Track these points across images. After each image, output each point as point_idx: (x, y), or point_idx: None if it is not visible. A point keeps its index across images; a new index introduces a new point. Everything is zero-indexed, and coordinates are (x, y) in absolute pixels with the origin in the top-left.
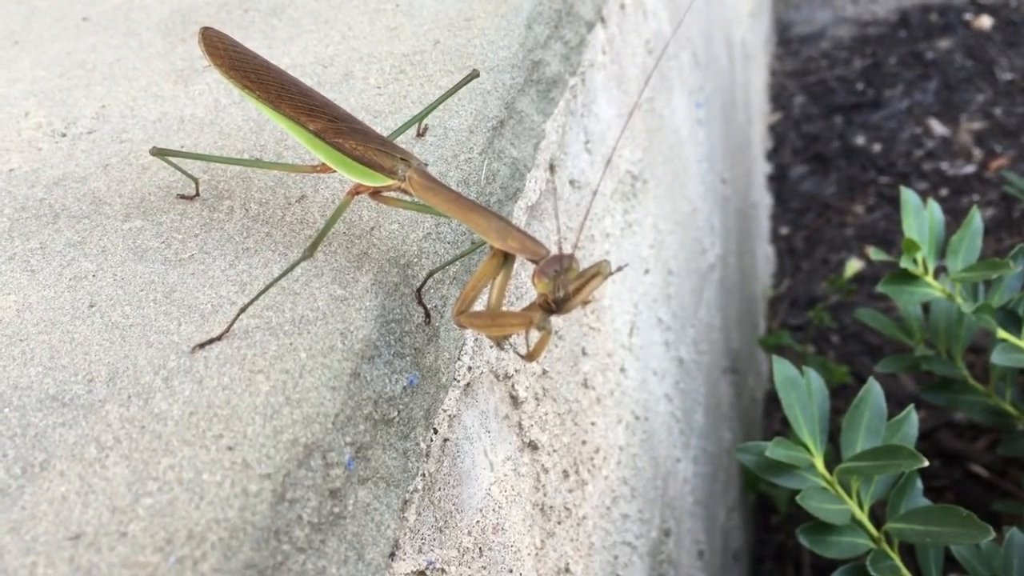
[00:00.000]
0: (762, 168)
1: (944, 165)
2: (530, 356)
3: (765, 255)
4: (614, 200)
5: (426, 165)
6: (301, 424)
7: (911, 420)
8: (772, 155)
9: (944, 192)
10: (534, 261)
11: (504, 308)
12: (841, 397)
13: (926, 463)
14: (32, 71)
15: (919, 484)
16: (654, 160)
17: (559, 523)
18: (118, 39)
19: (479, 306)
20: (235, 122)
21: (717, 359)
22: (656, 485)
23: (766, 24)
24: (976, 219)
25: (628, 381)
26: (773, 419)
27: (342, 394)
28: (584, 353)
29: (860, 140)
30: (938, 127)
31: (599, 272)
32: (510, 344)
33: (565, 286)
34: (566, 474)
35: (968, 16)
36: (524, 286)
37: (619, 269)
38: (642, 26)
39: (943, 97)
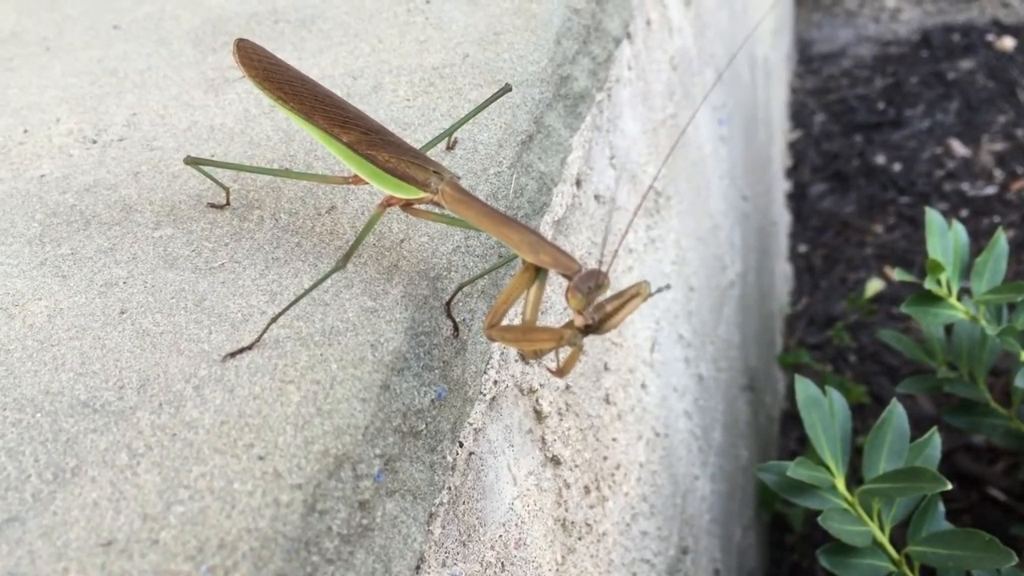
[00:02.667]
0: (781, 185)
1: (965, 186)
2: (560, 372)
3: (783, 273)
4: (637, 216)
5: (458, 178)
6: (332, 435)
7: (934, 442)
8: (791, 173)
9: (964, 213)
10: (566, 276)
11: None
12: (857, 417)
13: (949, 486)
14: (63, 78)
15: (941, 507)
16: (677, 176)
17: (580, 539)
18: (149, 47)
19: (507, 320)
20: (265, 132)
21: (735, 376)
22: (675, 503)
23: (787, 42)
24: (1001, 241)
25: (649, 397)
26: (789, 438)
27: (372, 406)
28: (606, 368)
29: (880, 159)
30: (959, 148)
31: (638, 293)
32: (538, 359)
33: (598, 304)
34: (587, 490)
35: (991, 37)
36: (547, 300)
37: (659, 290)
38: (667, 42)
39: (964, 118)
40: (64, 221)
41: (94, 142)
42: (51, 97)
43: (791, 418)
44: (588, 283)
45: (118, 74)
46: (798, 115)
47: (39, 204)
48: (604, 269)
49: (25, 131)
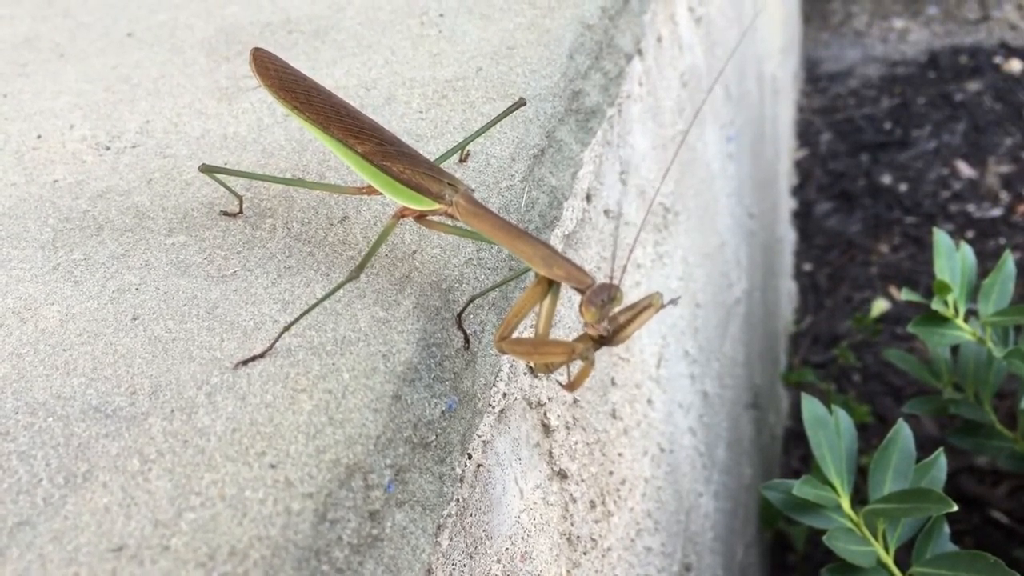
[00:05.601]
0: (787, 203)
1: (971, 207)
2: (571, 386)
3: (788, 291)
4: (645, 231)
5: (473, 191)
6: (343, 444)
7: (940, 464)
8: (797, 191)
9: (970, 234)
10: (579, 290)
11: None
12: (860, 437)
13: (955, 508)
14: (77, 84)
15: (946, 529)
16: (685, 192)
17: (585, 554)
18: (163, 55)
19: (516, 333)
20: (278, 141)
21: (740, 394)
22: (679, 519)
23: (795, 60)
24: (1008, 263)
25: (655, 413)
26: (792, 456)
27: (384, 416)
28: (613, 383)
29: (886, 179)
30: (965, 169)
31: (651, 304)
32: (548, 373)
33: (611, 316)
34: (593, 504)
35: (998, 59)
36: (557, 312)
37: (671, 302)
38: (678, 59)
39: (971, 139)
40: (77, 227)
41: (107, 148)
42: (65, 103)
43: (794, 436)
44: (601, 296)
45: (131, 81)
46: (805, 133)
47: (52, 209)
48: (615, 283)
49: (39, 136)
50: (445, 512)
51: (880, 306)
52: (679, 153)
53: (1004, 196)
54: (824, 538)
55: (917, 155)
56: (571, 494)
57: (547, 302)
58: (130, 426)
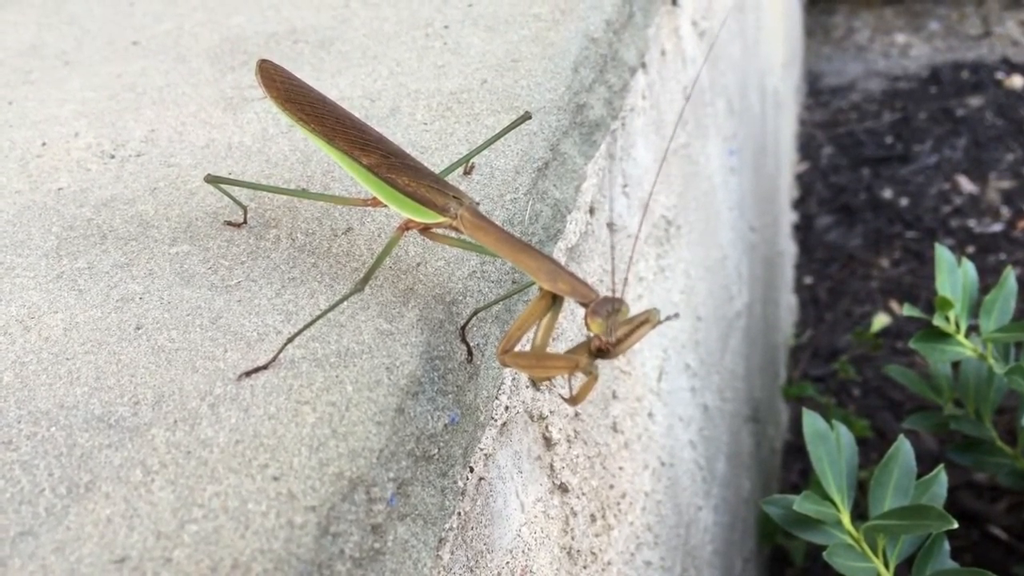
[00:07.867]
0: (788, 217)
1: (971, 222)
2: (574, 400)
3: (788, 304)
4: (647, 244)
5: (477, 204)
6: (347, 458)
7: (940, 480)
8: (798, 204)
9: (971, 249)
10: (583, 304)
11: (550, 350)
12: (860, 451)
13: (955, 525)
14: (82, 92)
15: (946, 546)
16: (687, 206)
17: (584, 568)
18: (168, 64)
19: (518, 346)
20: (282, 152)
21: (740, 407)
22: (678, 533)
23: (797, 74)
24: (1010, 280)
25: (655, 426)
26: (791, 470)
27: (387, 429)
28: (615, 396)
29: (887, 193)
30: (966, 184)
31: (648, 320)
32: (550, 385)
33: (615, 329)
34: (593, 518)
35: (1000, 75)
36: (558, 326)
37: (668, 318)
38: (681, 73)
39: (972, 154)
40: (81, 235)
41: (112, 157)
42: (70, 111)
43: (793, 450)
44: (606, 308)
45: (136, 90)
46: (806, 147)
47: (56, 217)
48: (618, 296)
49: (43, 144)
50: (447, 525)
51: (880, 320)
52: (682, 167)
53: (1005, 212)
54: (824, 554)
55: (918, 170)
56: (572, 508)
57: (549, 316)
58: (133, 436)
